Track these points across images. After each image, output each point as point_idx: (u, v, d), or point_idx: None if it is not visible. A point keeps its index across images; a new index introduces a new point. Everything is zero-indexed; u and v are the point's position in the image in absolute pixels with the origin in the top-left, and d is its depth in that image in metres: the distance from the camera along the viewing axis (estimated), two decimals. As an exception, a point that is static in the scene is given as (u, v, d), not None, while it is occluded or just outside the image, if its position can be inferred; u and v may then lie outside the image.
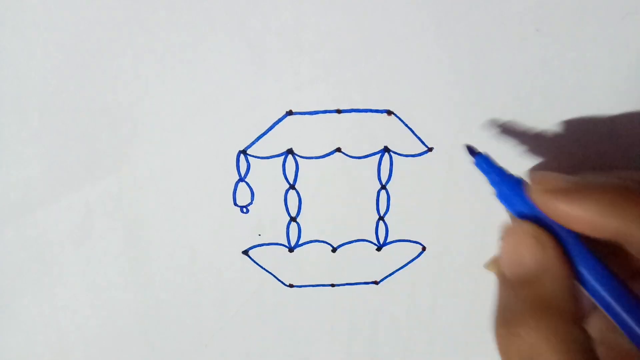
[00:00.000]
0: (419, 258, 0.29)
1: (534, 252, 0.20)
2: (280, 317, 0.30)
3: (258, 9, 0.24)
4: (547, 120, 0.26)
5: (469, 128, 0.26)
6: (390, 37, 0.24)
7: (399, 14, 0.24)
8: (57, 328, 0.30)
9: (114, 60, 0.24)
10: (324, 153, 0.27)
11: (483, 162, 0.22)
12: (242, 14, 0.24)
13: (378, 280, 0.29)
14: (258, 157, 0.26)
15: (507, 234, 0.21)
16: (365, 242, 0.29)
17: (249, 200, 0.27)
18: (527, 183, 0.21)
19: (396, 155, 0.27)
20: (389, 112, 0.26)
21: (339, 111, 0.26)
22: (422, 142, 0.26)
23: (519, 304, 0.20)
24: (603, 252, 0.21)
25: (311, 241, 0.28)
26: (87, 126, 0.26)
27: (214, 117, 0.26)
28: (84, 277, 0.29)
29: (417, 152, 0.27)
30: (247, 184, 0.27)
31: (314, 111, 0.26)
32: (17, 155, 0.26)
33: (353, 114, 0.26)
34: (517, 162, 0.27)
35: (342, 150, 0.27)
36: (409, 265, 0.29)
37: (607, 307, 0.20)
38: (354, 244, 0.29)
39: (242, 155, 0.26)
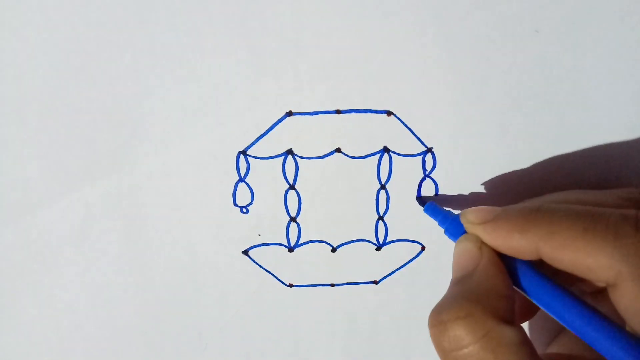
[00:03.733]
0: (418, 257, 0.29)
1: (472, 254, 0.22)
2: (280, 317, 0.30)
3: (258, 9, 0.24)
4: (546, 120, 0.26)
5: (468, 128, 0.26)
6: (389, 37, 0.24)
7: (399, 14, 0.24)
8: (57, 328, 0.30)
9: (114, 61, 0.24)
10: (324, 153, 0.27)
11: (431, 208, 0.26)
12: (242, 14, 0.24)
13: (378, 280, 0.29)
14: (258, 158, 0.27)
15: (457, 243, 0.23)
16: (364, 242, 0.29)
17: (249, 201, 0.27)
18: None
19: (396, 155, 0.27)
20: (389, 113, 0.26)
21: (338, 111, 0.26)
22: (422, 142, 0.26)
23: (452, 297, 0.21)
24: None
25: (311, 241, 0.28)
26: (87, 126, 0.26)
27: (214, 117, 0.26)
28: (84, 277, 0.29)
29: (416, 152, 0.27)
30: (247, 184, 0.27)
31: (314, 112, 0.26)
32: (17, 155, 0.26)
33: (353, 114, 0.26)
34: (516, 161, 0.27)
35: (342, 150, 0.27)
36: (409, 264, 0.29)
37: (549, 309, 0.21)
38: (353, 243, 0.29)
39: (242, 156, 0.26)
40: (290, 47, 0.25)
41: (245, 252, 0.29)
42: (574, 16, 0.24)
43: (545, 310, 0.21)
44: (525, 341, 0.20)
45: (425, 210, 0.27)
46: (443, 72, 0.25)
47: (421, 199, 0.28)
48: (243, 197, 0.27)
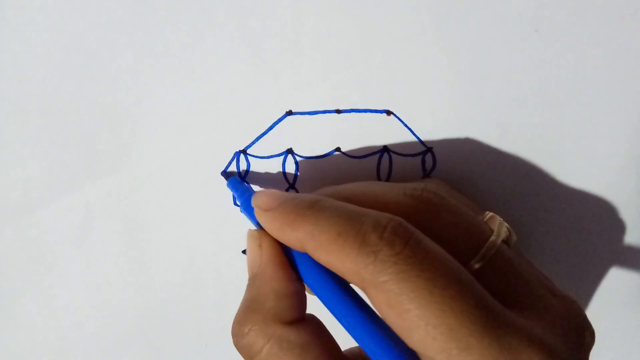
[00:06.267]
0: (418, 258, 0.29)
1: (255, 255, 0.21)
2: (280, 317, 0.30)
3: (257, 9, 0.24)
4: (546, 120, 0.26)
5: (468, 128, 0.26)
6: (389, 37, 0.24)
7: (398, 14, 0.24)
8: (57, 328, 0.30)
9: (114, 61, 0.24)
10: (324, 153, 0.27)
11: (232, 182, 0.26)
12: (242, 14, 0.24)
13: (378, 280, 0.29)
14: (258, 157, 0.27)
15: (247, 238, 0.23)
16: (364, 242, 0.29)
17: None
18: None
19: (395, 155, 0.27)
20: (389, 112, 0.26)
21: (338, 111, 0.26)
22: (422, 142, 0.26)
23: (241, 308, 0.21)
24: None
25: (311, 241, 0.28)
26: (87, 126, 0.26)
27: (214, 117, 0.26)
28: (84, 277, 0.29)
29: (416, 152, 0.27)
30: (247, 183, 0.27)
31: (314, 111, 0.26)
32: (17, 155, 0.26)
33: (352, 114, 0.26)
34: (516, 162, 0.27)
35: (342, 150, 0.27)
36: (409, 265, 0.29)
37: (331, 308, 0.20)
38: (353, 243, 0.29)
39: (242, 155, 0.26)
40: (290, 47, 0.25)
41: (245, 252, 0.29)
42: (574, 16, 0.24)
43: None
44: (311, 340, 0.19)
45: (228, 184, 0.26)
46: (443, 72, 0.25)
47: (225, 173, 0.26)
48: (243, 197, 0.27)
